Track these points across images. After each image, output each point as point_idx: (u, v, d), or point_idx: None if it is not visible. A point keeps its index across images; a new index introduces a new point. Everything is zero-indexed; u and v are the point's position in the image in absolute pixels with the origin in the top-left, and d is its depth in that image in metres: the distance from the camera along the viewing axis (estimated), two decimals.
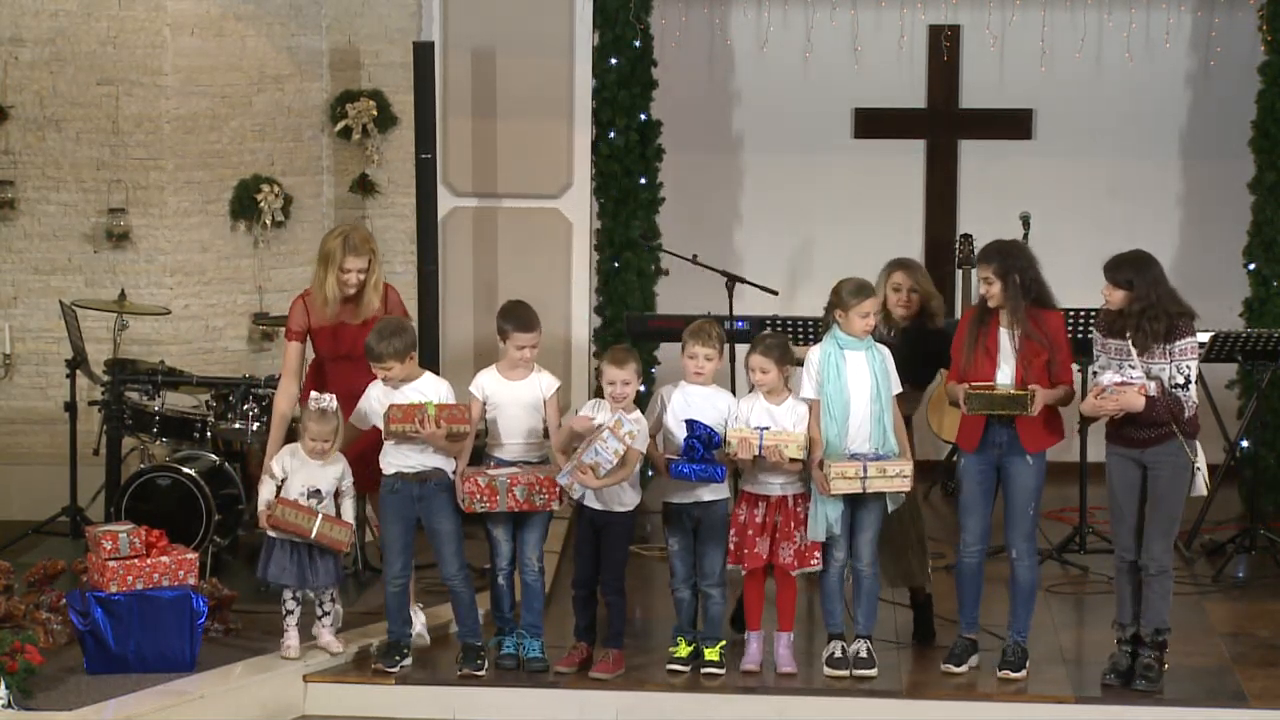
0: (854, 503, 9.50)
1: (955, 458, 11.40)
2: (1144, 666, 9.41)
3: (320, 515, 9.47)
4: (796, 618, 9.82)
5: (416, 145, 11.81)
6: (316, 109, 12.50)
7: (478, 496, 9.41)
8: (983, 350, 9.45)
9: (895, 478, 9.39)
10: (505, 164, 12.59)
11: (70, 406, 11.52)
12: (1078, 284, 12.26)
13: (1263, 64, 12.30)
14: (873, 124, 13.20)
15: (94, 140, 12.04)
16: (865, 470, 9.34)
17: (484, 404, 9.56)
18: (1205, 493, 9.34)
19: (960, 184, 13.22)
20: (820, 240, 13.16)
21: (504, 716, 9.43)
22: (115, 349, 11.36)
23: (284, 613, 9.65)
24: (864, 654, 9.58)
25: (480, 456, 9.74)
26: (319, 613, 9.69)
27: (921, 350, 9.97)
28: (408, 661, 9.65)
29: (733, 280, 11.42)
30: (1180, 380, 9.17)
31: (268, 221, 12.25)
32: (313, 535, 9.45)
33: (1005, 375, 9.41)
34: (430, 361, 11.23)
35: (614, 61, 12.46)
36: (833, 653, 9.61)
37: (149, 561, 9.49)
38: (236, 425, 10.93)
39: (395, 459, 9.50)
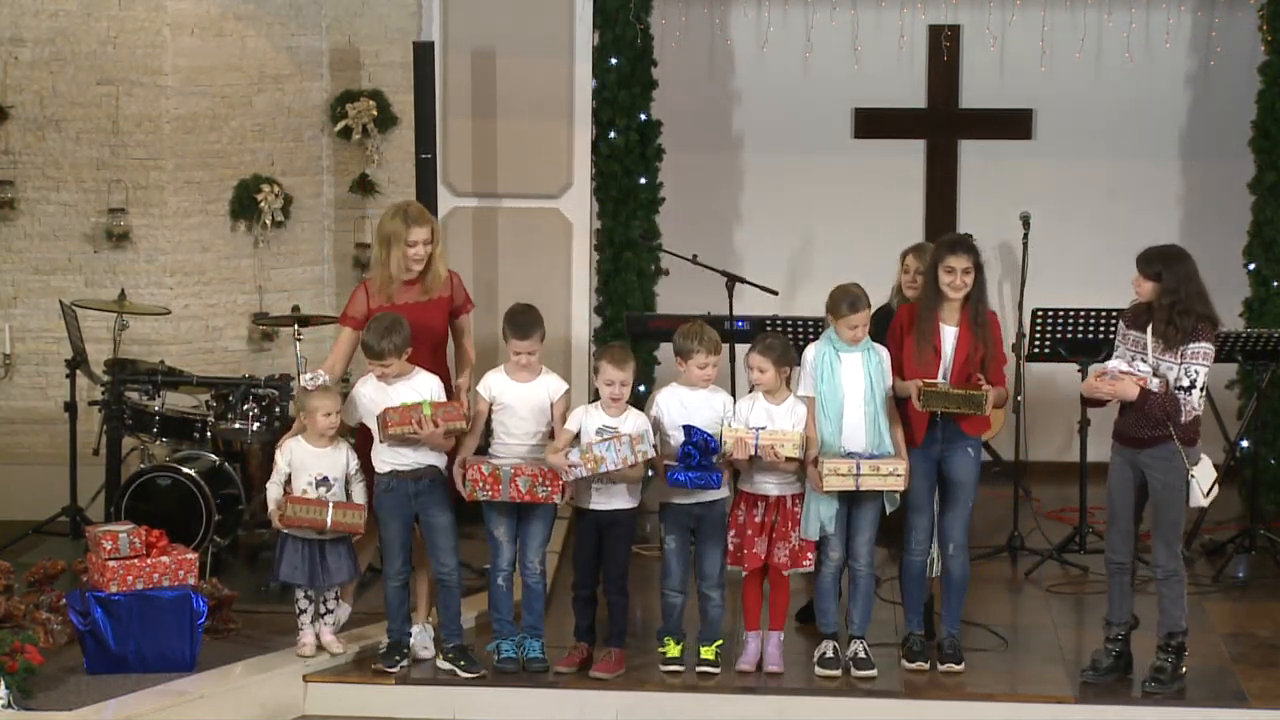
0: (850, 504, 9.49)
1: None
2: (1155, 669, 9.39)
3: (331, 504, 9.45)
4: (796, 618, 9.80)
5: (416, 145, 11.81)
6: (316, 109, 12.50)
7: (480, 484, 9.37)
8: (930, 348, 9.46)
9: (889, 476, 9.38)
10: (505, 164, 12.58)
11: (70, 406, 11.51)
12: (1078, 284, 12.28)
13: (1263, 64, 12.28)
14: (873, 124, 13.19)
15: (94, 140, 12.04)
16: (858, 468, 9.34)
17: (490, 404, 9.54)
18: (1204, 504, 9.29)
19: (960, 184, 13.20)
20: (820, 240, 13.15)
21: (504, 716, 9.43)
22: (115, 349, 11.35)
23: (297, 612, 9.67)
24: (862, 654, 9.58)
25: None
26: (321, 610, 9.70)
27: None
28: (408, 661, 9.65)
29: (733, 280, 11.42)
30: (1185, 383, 9.13)
31: (268, 221, 12.25)
32: (328, 525, 9.44)
33: (941, 372, 9.48)
34: None
35: (614, 61, 12.46)
36: (824, 653, 9.60)
37: (149, 561, 9.49)
38: (236, 425, 10.92)
39: (389, 457, 9.47)
